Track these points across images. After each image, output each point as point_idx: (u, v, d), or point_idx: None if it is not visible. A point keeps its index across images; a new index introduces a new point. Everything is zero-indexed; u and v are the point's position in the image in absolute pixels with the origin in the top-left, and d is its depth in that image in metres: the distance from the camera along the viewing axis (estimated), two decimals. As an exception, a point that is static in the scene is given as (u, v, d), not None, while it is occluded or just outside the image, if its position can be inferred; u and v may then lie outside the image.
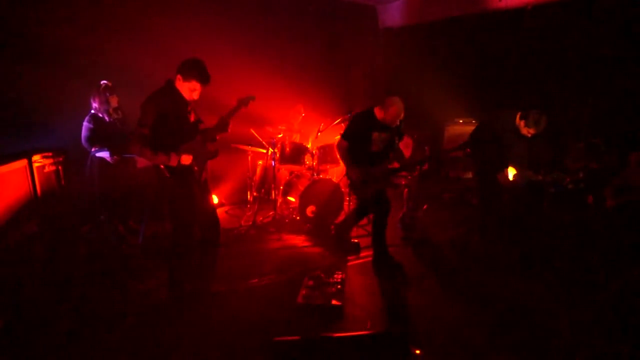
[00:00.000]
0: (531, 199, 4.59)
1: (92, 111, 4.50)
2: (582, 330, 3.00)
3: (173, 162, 3.06)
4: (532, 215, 4.66)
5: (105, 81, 4.49)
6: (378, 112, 3.97)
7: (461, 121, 6.99)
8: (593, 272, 3.89)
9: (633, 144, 4.73)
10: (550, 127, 4.20)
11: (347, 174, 4.19)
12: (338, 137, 5.86)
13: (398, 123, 3.99)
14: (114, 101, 4.52)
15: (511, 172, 4.64)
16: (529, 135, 4.19)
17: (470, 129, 6.56)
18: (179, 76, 3.09)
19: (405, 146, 6.92)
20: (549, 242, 4.47)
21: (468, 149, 4.63)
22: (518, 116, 4.23)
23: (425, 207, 5.04)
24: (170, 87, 3.12)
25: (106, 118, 4.49)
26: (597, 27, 5.42)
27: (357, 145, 4.04)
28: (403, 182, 5.28)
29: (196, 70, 3.07)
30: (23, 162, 3.76)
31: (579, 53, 5.65)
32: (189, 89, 3.11)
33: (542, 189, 4.55)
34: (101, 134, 4.45)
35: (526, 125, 4.13)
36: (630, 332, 2.99)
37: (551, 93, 5.89)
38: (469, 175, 6.64)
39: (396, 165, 4.22)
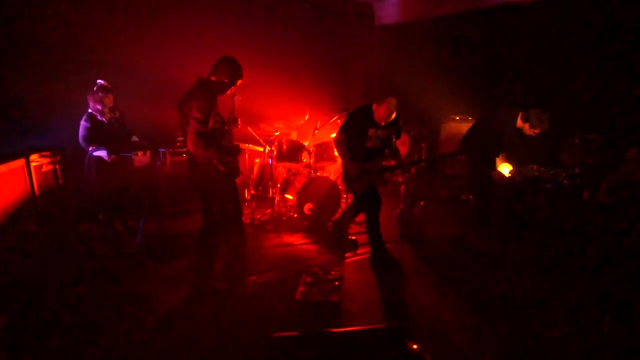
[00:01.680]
0: (527, 195, 4.62)
1: (90, 110, 4.50)
2: (578, 324, 3.04)
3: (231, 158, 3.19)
4: (528, 210, 4.69)
5: (101, 81, 4.49)
6: (374, 108, 3.99)
7: (457, 118, 7.01)
8: (588, 267, 3.92)
9: (629, 139, 4.77)
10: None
11: (345, 168, 4.21)
12: (335, 134, 5.91)
13: (383, 123, 3.98)
14: (108, 101, 4.52)
15: (507, 169, 4.67)
16: (534, 135, 4.22)
17: (466, 125, 6.61)
18: (226, 78, 3.16)
19: (402, 143, 6.97)
20: (546, 238, 4.51)
21: (463, 156, 4.65)
22: (520, 117, 4.25)
23: (422, 203, 5.05)
24: (209, 85, 3.16)
25: (98, 117, 4.49)
26: (592, 23, 5.45)
27: (353, 140, 4.07)
28: (400, 179, 5.30)
29: (241, 70, 3.24)
30: (20, 162, 3.77)
31: (575, 49, 5.68)
32: (233, 87, 3.25)
33: (538, 185, 4.58)
34: (98, 133, 4.45)
35: (531, 126, 4.17)
36: (624, 325, 3.03)
37: (547, 89, 5.92)
38: (465, 172, 6.66)
39: (392, 162, 4.24)
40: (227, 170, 3.15)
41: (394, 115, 3.94)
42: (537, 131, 4.18)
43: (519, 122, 4.27)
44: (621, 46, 5.23)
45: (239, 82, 3.27)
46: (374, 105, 3.98)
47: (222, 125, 3.23)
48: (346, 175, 4.19)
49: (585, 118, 5.36)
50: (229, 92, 3.28)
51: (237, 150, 3.28)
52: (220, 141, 3.18)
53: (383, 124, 3.98)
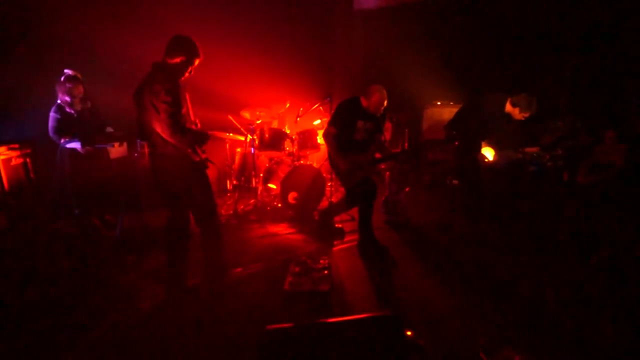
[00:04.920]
0: (512, 177, 4.65)
1: (59, 101, 4.29)
2: (567, 304, 3.06)
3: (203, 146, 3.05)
4: (512, 193, 4.72)
5: (68, 71, 4.27)
6: (363, 101, 3.91)
7: (439, 103, 7.00)
8: (573, 247, 3.97)
9: (608, 121, 4.84)
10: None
11: (333, 163, 4.12)
12: (317, 121, 5.81)
13: (380, 111, 3.94)
14: (78, 91, 4.32)
15: (489, 153, 4.68)
16: (523, 119, 4.24)
17: (448, 111, 6.61)
18: (183, 57, 2.93)
19: (385, 129, 6.92)
20: (531, 220, 4.55)
21: (457, 142, 4.61)
22: (509, 102, 4.25)
23: (407, 189, 5.03)
24: (167, 68, 2.93)
25: (66, 109, 4.28)
26: (573, 6, 5.48)
27: (341, 133, 3.97)
28: (383, 166, 5.25)
29: (197, 48, 2.98)
30: (-14, 155, 3.58)
31: (555, 33, 5.71)
32: (192, 68, 3.02)
33: (522, 167, 4.61)
34: (69, 124, 4.25)
35: (521, 111, 4.18)
36: (612, 304, 3.07)
37: (529, 72, 5.94)
38: (447, 157, 6.67)
39: (378, 155, 4.17)
40: (199, 160, 3.00)
41: (386, 102, 3.88)
42: (526, 115, 4.20)
43: (508, 107, 4.27)
44: (602, 29, 5.27)
45: (197, 61, 3.03)
46: (362, 97, 3.90)
47: (187, 114, 3.05)
48: (337, 169, 4.10)
49: (567, 100, 5.41)
50: (187, 74, 3.04)
51: (207, 137, 3.09)
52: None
53: (379, 113, 3.92)
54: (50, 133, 4.23)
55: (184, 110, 2.93)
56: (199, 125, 3.24)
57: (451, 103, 6.83)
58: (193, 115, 3.17)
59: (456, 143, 4.57)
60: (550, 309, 2.99)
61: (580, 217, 4.49)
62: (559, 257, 3.83)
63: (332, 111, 4.16)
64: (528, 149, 4.72)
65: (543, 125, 5.09)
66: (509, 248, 4.09)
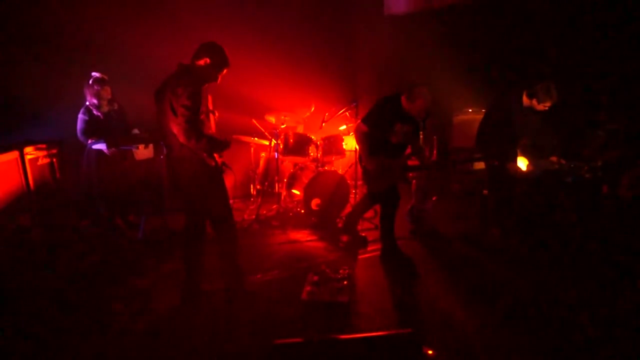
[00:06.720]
0: (547, 189, 4.39)
1: (87, 103, 4.36)
2: (602, 325, 2.82)
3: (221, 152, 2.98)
4: (547, 205, 4.46)
5: (96, 73, 4.32)
6: (404, 102, 3.73)
7: (470, 110, 6.76)
8: (609, 265, 3.70)
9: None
10: (568, 114, 3.99)
11: (363, 163, 3.97)
12: (343, 127, 5.70)
13: (424, 116, 3.76)
14: (106, 93, 4.37)
15: (523, 163, 4.44)
16: (546, 109, 3.96)
17: (480, 118, 6.37)
18: (210, 60, 2.89)
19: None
20: (565, 234, 4.28)
21: (496, 162, 4.38)
22: (525, 95, 4.01)
23: (434, 199, 4.84)
24: (194, 71, 2.91)
25: (94, 112, 4.33)
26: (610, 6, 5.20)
27: (375, 134, 3.75)
28: (410, 175, 5.09)
29: (226, 56, 2.95)
30: (14, 154, 3.65)
31: (596, 35, 5.42)
32: (220, 76, 2.99)
33: (558, 178, 4.34)
34: (97, 126, 4.31)
35: (540, 101, 3.91)
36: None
37: (568, 79, 5.65)
38: (477, 166, 6.42)
39: (415, 162, 3.98)
40: (215, 166, 2.94)
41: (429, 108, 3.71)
42: (547, 104, 3.90)
43: (526, 100, 4.01)
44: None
45: (226, 70, 2.99)
46: (404, 98, 3.71)
47: (207, 118, 2.99)
48: (365, 170, 3.94)
49: (609, 109, 5.10)
50: (213, 81, 3.00)
51: (227, 144, 2.99)
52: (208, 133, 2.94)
53: (421, 118, 3.75)
54: (79, 134, 4.30)
55: (202, 116, 2.87)
56: (217, 115, 3.18)
57: (483, 111, 6.58)
58: (214, 115, 3.12)
59: (496, 162, 4.30)
60: (585, 335, 2.76)
61: (622, 233, 4.19)
62: (596, 276, 3.56)
63: (371, 107, 3.86)
64: (566, 159, 4.44)
65: (583, 134, 4.81)
66: (541, 264, 3.84)
